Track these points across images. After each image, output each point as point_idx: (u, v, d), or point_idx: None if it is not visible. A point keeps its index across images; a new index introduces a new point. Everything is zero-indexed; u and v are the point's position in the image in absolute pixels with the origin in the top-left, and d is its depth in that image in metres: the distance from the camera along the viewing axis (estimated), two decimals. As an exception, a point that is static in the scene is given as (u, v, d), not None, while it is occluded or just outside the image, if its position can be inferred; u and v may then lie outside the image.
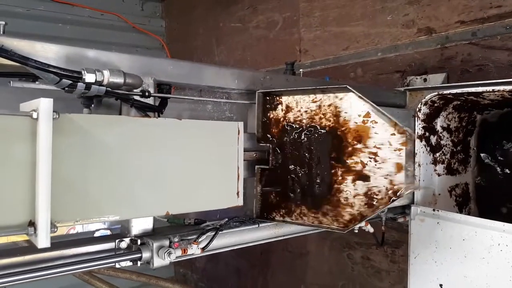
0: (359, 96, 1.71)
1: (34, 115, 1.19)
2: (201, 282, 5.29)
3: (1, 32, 1.34)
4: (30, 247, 1.64)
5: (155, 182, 1.54)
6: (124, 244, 1.65)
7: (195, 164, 1.65)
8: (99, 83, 1.42)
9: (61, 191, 1.28)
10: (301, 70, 1.94)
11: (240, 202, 1.76)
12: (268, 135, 1.91)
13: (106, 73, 1.42)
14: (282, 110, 1.87)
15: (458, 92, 1.92)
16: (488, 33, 2.59)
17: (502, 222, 1.68)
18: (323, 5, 3.66)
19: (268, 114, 1.90)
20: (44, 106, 1.19)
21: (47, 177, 1.21)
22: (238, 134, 1.75)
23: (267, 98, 1.89)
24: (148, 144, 1.53)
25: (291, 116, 1.85)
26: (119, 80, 1.45)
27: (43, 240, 1.21)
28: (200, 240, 1.70)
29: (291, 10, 3.98)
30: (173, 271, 5.79)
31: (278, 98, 1.87)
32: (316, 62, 3.72)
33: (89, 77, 1.37)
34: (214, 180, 1.70)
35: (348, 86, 1.71)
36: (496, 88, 1.77)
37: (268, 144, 1.90)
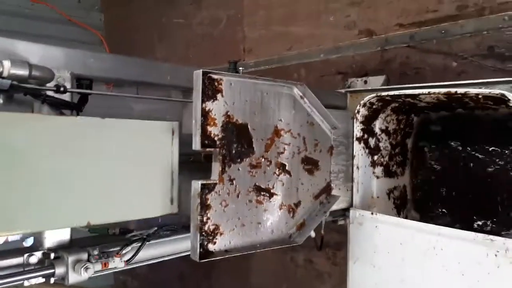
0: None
1: None
2: (142, 289, 5.06)
3: None
4: None
5: (74, 189, 1.36)
6: (34, 258, 1.46)
7: (121, 168, 1.48)
8: (-1, 75, 1.23)
9: None
10: (241, 68, 1.82)
11: (174, 209, 1.60)
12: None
13: (7, 63, 1.23)
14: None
15: (395, 94, 1.91)
16: (425, 36, 2.63)
17: (438, 226, 1.67)
18: (267, 3, 3.59)
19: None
20: None
21: None
22: (173, 134, 1.60)
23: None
24: (66, 146, 1.35)
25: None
26: (23, 72, 1.27)
27: None
28: (124, 252, 1.54)
29: (235, 8, 3.88)
30: (113, 279, 5.50)
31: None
32: (260, 61, 3.64)
33: (-16, 68, 1.17)
34: (145, 186, 1.54)
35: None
36: (432, 90, 1.77)
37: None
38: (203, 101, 1.42)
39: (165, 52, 4.61)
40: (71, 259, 1.43)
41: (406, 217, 2.27)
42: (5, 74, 1.24)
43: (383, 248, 1.87)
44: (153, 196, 1.55)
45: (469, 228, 1.62)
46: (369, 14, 2.91)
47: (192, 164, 1.81)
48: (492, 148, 2.04)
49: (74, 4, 5.30)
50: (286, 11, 3.46)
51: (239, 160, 1.52)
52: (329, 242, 2.97)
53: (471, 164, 2.12)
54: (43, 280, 1.47)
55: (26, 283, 1.44)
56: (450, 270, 1.64)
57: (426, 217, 2.23)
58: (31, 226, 1.31)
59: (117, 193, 1.48)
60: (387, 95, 1.93)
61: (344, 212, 2.19)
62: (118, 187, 1.48)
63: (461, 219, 2.12)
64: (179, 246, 1.75)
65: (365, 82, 2.84)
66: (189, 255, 1.66)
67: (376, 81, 2.80)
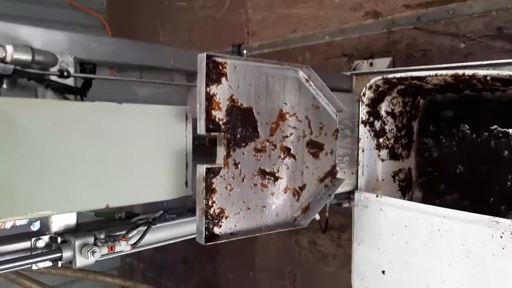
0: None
1: None
2: (148, 271, 5.13)
3: None
4: None
5: (93, 173, 1.39)
6: (41, 242, 1.48)
7: (138, 152, 1.50)
8: (1, 60, 1.22)
9: None
10: (245, 51, 1.80)
11: (189, 192, 1.61)
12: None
13: (9, 48, 1.22)
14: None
15: (402, 76, 1.88)
16: (432, 17, 2.58)
17: (443, 208, 1.67)
18: (271, -15, 3.53)
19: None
20: None
21: None
22: (186, 119, 1.60)
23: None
24: (84, 131, 1.37)
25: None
26: (26, 57, 1.26)
27: None
28: (130, 235, 1.55)
29: (238, -11, 3.82)
30: (119, 261, 5.58)
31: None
32: (264, 44, 3.60)
33: (-14, 53, 1.16)
34: (161, 169, 1.56)
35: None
36: (439, 72, 1.74)
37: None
38: (207, 85, 1.41)
39: (168, 36, 4.57)
40: (78, 243, 1.44)
41: (411, 200, 2.27)
42: (8, 59, 1.23)
43: (388, 230, 1.88)
44: (169, 179, 1.57)
45: (475, 209, 1.61)
46: (375, -5, 2.85)
47: (197, 148, 1.81)
48: (500, 129, 2.02)
49: (76, -13, 5.24)
50: (290, -8, 3.40)
51: (244, 144, 1.52)
52: (333, 225, 2.99)
53: (479, 146, 2.10)
54: (50, 264, 1.49)
55: (34, 267, 1.47)
56: (455, 251, 1.64)
57: (431, 199, 2.23)
58: (52, 209, 1.34)
59: (135, 177, 1.50)
60: (394, 77, 1.91)
61: (348, 195, 2.19)
62: (136, 170, 1.50)
63: (467, 201, 2.11)
64: (184, 229, 1.76)
65: (371, 64, 2.81)
66: (195, 238, 1.68)
67: (382, 63, 2.77)
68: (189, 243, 2.37)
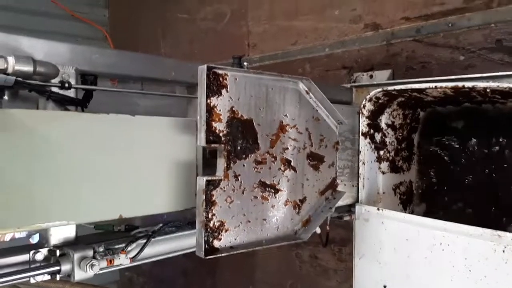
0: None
1: None
2: (147, 285, 5.08)
3: None
4: None
5: (107, 183, 1.42)
6: (40, 255, 1.46)
7: (151, 163, 1.52)
8: (3, 71, 1.23)
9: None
10: (245, 63, 1.81)
11: None
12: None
13: (11, 59, 1.22)
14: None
15: (402, 88, 1.89)
16: (431, 30, 2.60)
17: (444, 221, 1.66)
18: (272, -2, 3.56)
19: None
20: None
21: None
22: (197, 130, 1.61)
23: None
24: (98, 142, 1.40)
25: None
26: (28, 68, 1.26)
27: None
28: (129, 249, 1.54)
29: (239, 3, 3.85)
30: (118, 275, 5.52)
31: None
32: (265, 56, 3.62)
33: (-13, 64, 1.17)
34: (172, 181, 1.57)
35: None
36: (439, 85, 1.75)
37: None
38: (207, 97, 1.41)
39: (169, 48, 4.60)
40: (76, 256, 1.43)
41: (412, 213, 2.26)
42: (9, 70, 1.23)
43: (389, 244, 1.86)
44: (180, 190, 1.59)
45: (477, 223, 1.59)
46: (375, 8, 2.87)
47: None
48: (501, 140, 2.02)
49: (78, 0, 5.29)
50: (290, 5, 3.43)
51: (244, 156, 1.51)
52: (334, 238, 2.96)
53: (478, 158, 2.09)
54: (49, 277, 1.48)
55: (32, 280, 1.45)
56: (457, 266, 1.63)
57: (432, 212, 2.21)
58: (68, 219, 1.36)
59: (147, 187, 1.51)
60: (394, 90, 1.91)
61: (349, 208, 2.18)
62: (148, 181, 1.51)
63: (468, 213, 2.10)
64: (184, 242, 1.75)
65: (371, 76, 2.82)
66: (194, 251, 1.66)
67: (381, 75, 2.78)
68: (188, 257, 2.35)
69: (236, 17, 3.89)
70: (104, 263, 1.46)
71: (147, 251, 1.59)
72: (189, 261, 4.36)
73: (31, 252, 1.45)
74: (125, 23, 5.20)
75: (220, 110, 1.45)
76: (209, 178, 1.42)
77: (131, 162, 1.46)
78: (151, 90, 2.03)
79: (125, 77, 1.74)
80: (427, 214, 2.22)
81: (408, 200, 2.27)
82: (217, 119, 1.44)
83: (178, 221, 1.74)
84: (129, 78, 1.79)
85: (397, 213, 1.85)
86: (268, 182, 1.57)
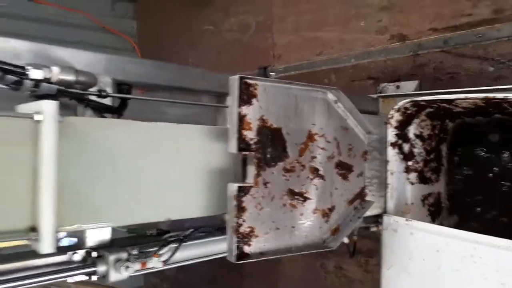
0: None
1: (37, 117, 1.17)
2: (171, 292, 5.12)
3: None
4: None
5: (156, 187, 1.49)
6: (77, 256, 1.52)
7: (195, 169, 1.58)
8: (47, 81, 1.30)
9: (62, 196, 1.22)
10: (272, 73, 1.84)
11: None
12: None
13: (56, 69, 1.29)
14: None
15: (431, 99, 1.89)
16: (460, 41, 2.59)
17: (475, 233, 1.64)
18: (296, 10, 3.61)
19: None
20: (49, 108, 1.18)
21: (52, 181, 1.17)
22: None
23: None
24: (149, 148, 1.48)
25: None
26: (70, 77, 1.33)
27: (47, 245, 1.18)
28: (161, 252, 1.58)
29: (264, 14, 3.91)
30: (143, 281, 5.59)
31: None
32: (290, 67, 3.66)
33: (35, 73, 1.24)
34: (205, 186, 1.61)
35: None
36: (470, 95, 1.74)
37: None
38: (239, 106, 1.45)
39: (196, 59, 4.70)
40: (112, 258, 1.48)
41: (441, 225, 2.23)
42: (53, 79, 1.29)
43: (418, 255, 1.85)
44: (211, 195, 1.62)
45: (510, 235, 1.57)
46: (401, 19, 2.88)
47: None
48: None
49: (108, 12, 5.47)
50: (315, 17, 3.47)
51: (273, 163, 1.54)
52: (361, 249, 2.93)
53: (509, 170, 2.06)
54: (86, 277, 1.53)
55: (69, 280, 1.50)
56: (489, 278, 1.60)
57: (464, 224, 2.18)
58: (120, 220, 1.45)
59: (192, 192, 1.57)
60: (422, 100, 1.91)
61: (376, 219, 2.17)
62: (193, 186, 1.57)
63: (503, 222, 2.06)
64: (214, 248, 1.78)
65: (397, 87, 2.82)
66: (223, 257, 1.69)
67: (408, 86, 2.77)
68: (213, 263, 2.37)
69: (261, 28, 3.95)
70: (137, 266, 1.50)
71: (178, 255, 1.63)
72: (214, 267, 4.38)
73: (69, 253, 1.51)
74: (153, 34, 5.34)
75: (250, 119, 1.49)
76: (241, 184, 1.45)
77: (176, 167, 1.52)
78: (177, 99, 2.09)
79: (158, 86, 1.80)
80: (458, 225, 2.19)
81: (436, 212, 2.24)
82: (247, 128, 1.48)
83: (209, 227, 1.78)
84: (161, 88, 1.85)
85: (426, 224, 1.84)
86: (296, 190, 1.59)
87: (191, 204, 1.55)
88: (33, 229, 1.19)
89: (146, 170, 1.45)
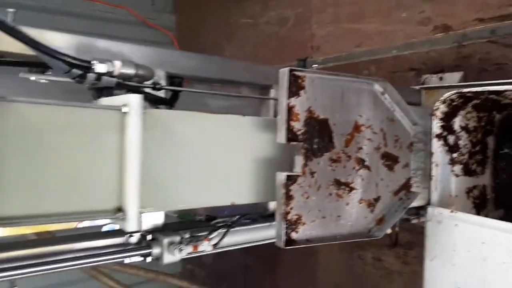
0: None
1: (124, 110, 1.30)
2: (209, 278, 5.26)
3: (11, 20, 1.29)
4: (39, 240, 1.60)
5: (222, 174, 1.60)
6: (134, 239, 1.61)
7: (249, 158, 1.66)
8: (109, 74, 1.38)
9: (145, 180, 1.34)
10: (314, 65, 1.87)
11: None
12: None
13: (118, 63, 1.38)
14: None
15: (479, 90, 1.86)
16: (508, 31, 2.52)
17: (524, 226, 1.62)
18: (336, 1, 3.60)
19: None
20: (135, 101, 1.31)
21: (137, 167, 1.30)
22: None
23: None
24: (216, 138, 1.59)
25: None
26: (131, 71, 1.41)
27: (132, 224, 1.34)
28: (211, 237, 1.65)
29: (303, 7, 3.92)
30: (180, 267, 5.77)
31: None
32: (328, 59, 3.66)
33: (100, 67, 1.33)
34: (261, 174, 1.69)
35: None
36: (521, 86, 1.71)
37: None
38: (288, 97, 1.49)
39: (233, 52, 4.76)
40: (166, 241, 1.56)
41: (486, 217, 2.20)
42: (115, 73, 1.38)
43: (463, 247, 1.84)
44: (265, 183, 1.69)
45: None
46: (445, 9, 2.82)
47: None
48: None
49: (148, 7, 5.62)
50: (355, 8, 3.45)
51: (320, 154, 1.58)
52: (400, 241, 2.93)
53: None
54: (141, 259, 1.62)
55: (126, 261, 1.61)
56: (538, 272, 1.58)
57: (508, 217, 2.14)
58: (195, 203, 1.59)
59: (254, 179, 1.67)
60: (469, 92, 1.89)
61: (418, 211, 2.17)
62: (254, 174, 1.67)
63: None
64: (259, 234, 1.84)
65: (441, 78, 2.77)
66: (269, 243, 1.76)
67: (452, 77, 2.72)
68: (249, 252, 2.43)
69: (300, 21, 3.96)
70: (190, 249, 1.58)
71: (226, 239, 1.70)
72: (250, 257, 4.48)
73: (126, 235, 1.61)
74: (191, 28, 5.45)
75: (298, 110, 1.53)
76: (289, 173, 1.50)
77: (233, 156, 1.62)
78: (219, 91, 2.15)
79: (206, 79, 1.87)
80: (504, 218, 2.15)
81: (481, 205, 2.21)
82: (295, 119, 1.53)
83: (254, 214, 1.84)
84: (210, 80, 1.92)
85: (472, 216, 1.83)
86: (342, 180, 1.62)
87: (246, 191, 1.62)
88: (119, 209, 1.34)
89: (213, 158, 1.56)
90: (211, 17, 5.11)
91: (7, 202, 1.16)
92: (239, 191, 1.63)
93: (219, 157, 1.58)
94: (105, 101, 1.41)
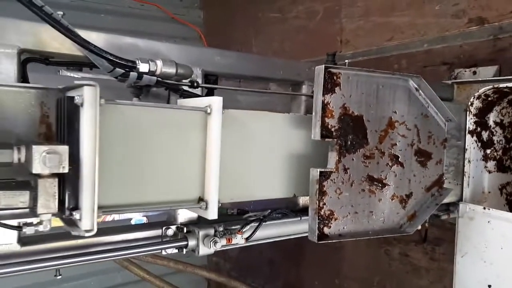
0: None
1: (208, 110, 1.44)
2: (234, 271, 5.35)
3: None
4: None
5: (287, 168, 1.70)
6: (170, 231, 1.68)
7: (287, 154, 1.73)
8: (151, 73, 1.44)
9: (223, 174, 1.46)
10: (346, 61, 1.88)
11: None
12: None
13: (159, 63, 1.43)
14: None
15: (517, 85, 1.83)
16: (546, 23, 2.45)
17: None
18: (366, -6, 3.56)
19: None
20: (217, 103, 1.43)
21: (217, 162, 1.43)
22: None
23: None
24: (282, 135, 1.69)
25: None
26: (171, 70, 1.46)
27: (213, 213, 1.45)
28: (244, 230, 1.70)
29: (332, 0, 3.90)
30: (206, 260, 5.88)
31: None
32: (358, 53, 3.63)
33: (143, 67, 1.38)
34: (286, 170, 1.74)
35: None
36: (560, 82, 1.67)
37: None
38: (323, 95, 1.51)
39: (261, 47, 4.78)
40: (201, 233, 1.62)
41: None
42: (157, 72, 1.43)
43: (496, 243, 1.83)
44: (292, 178, 1.75)
45: None
46: (481, 1, 2.76)
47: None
48: None
49: (177, 3, 5.69)
50: (386, 1, 3.40)
51: (353, 150, 1.60)
52: (428, 237, 2.91)
53: None
54: (176, 250, 1.69)
55: (163, 252, 1.67)
56: None
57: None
58: (264, 194, 1.71)
59: (286, 175, 1.73)
60: (506, 87, 1.86)
61: (448, 207, 2.15)
62: (287, 170, 1.73)
63: None
64: (289, 228, 1.88)
65: (474, 73, 2.72)
66: (300, 237, 1.79)
67: (486, 71, 2.67)
68: (274, 246, 2.46)
69: (329, 15, 3.94)
70: (224, 241, 1.64)
71: (258, 233, 1.75)
72: (275, 250, 4.53)
73: (164, 227, 1.67)
74: (219, 23, 5.49)
75: (333, 107, 1.55)
76: (322, 169, 1.52)
77: (281, 152, 1.70)
78: (248, 87, 2.19)
79: (241, 76, 1.91)
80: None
81: (515, 202, 2.18)
82: (330, 115, 1.55)
83: (284, 209, 1.88)
84: (244, 78, 1.96)
85: (506, 213, 1.81)
86: (375, 177, 1.64)
87: (286, 185, 1.68)
88: (201, 199, 1.47)
89: (273, 154, 1.66)
90: (238, 12, 5.13)
91: (112, 192, 1.29)
92: (289, 184, 1.73)
93: (277, 152, 1.68)
94: (186, 102, 1.55)
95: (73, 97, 1.16)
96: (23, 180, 1.16)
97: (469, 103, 1.98)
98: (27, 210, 1.11)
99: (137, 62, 1.37)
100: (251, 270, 5.07)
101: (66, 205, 1.16)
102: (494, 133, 2.09)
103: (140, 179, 1.35)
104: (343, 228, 1.58)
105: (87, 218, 1.15)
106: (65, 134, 1.23)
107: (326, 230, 1.55)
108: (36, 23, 1.36)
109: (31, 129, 1.29)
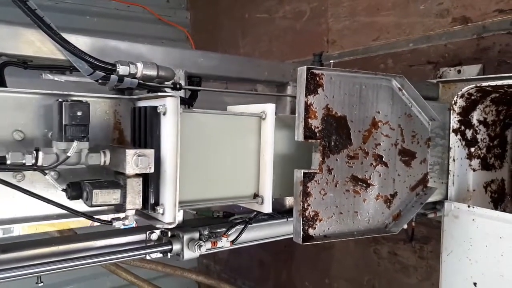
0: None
1: (263, 116, 1.62)
2: (224, 273, 5.33)
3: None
4: (62, 238, 1.66)
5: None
6: (154, 235, 1.66)
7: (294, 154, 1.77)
8: (132, 76, 1.42)
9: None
10: (331, 61, 1.88)
11: None
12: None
13: (140, 65, 1.41)
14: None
15: (498, 84, 1.84)
16: (528, 22, 2.47)
17: (544, 221, 1.61)
18: (352, -6, 3.57)
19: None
20: (271, 109, 1.59)
21: (271, 161, 1.59)
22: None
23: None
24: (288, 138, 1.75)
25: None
26: (152, 72, 1.44)
27: (268, 207, 1.61)
28: (229, 233, 1.69)
29: (319, 0, 3.90)
30: (196, 262, 5.85)
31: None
32: (344, 53, 3.64)
33: (123, 70, 1.36)
34: (288, 170, 1.77)
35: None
36: (541, 80, 1.69)
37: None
38: (305, 96, 1.51)
39: (248, 47, 4.77)
40: (186, 237, 1.61)
41: (504, 212, 2.18)
42: (138, 75, 1.41)
43: (480, 241, 1.84)
44: (276, 179, 1.72)
45: None
46: (464, 1, 2.78)
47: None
48: None
49: (163, 4, 5.65)
50: (371, 1, 3.42)
51: (337, 151, 1.60)
52: (416, 236, 2.93)
53: None
54: (161, 255, 1.67)
55: (147, 257, 1.65)
56: (558, 268, 1.58)
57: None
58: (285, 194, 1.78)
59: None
60: (488, 86, 1.87)
61: (434, 205, 2.17)
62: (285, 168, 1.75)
63: None
64: (276, 230, 1.88)
65: (459, 71, 2.74)
66: (286, 238, 1.78)
67: (471, 70, 2.69)
68: (264, 248, 2.44)
69: (316, 15, 3.94)
70: (209, 245, 1.62)
71: (244, 235, 1.74)
72: (265, 252, 4.52)
73: (147, 232, 1.65)
74: (206, 24, 5.47)
75: (316, 108, 1.55)
76: (306, 170, 1.52)
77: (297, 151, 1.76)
78: (234, 88, 2.17)
79: (225, 78, 1.89)
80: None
81: (499, 199, 2.20)
82: (313, 116, 1.54)
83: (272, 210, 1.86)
84: (228, 79, 1.95)
85: (489, 210, 1.82)
86: (360, 177, 1.64)
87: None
88: (256, 195, 1.64)
89: (288, 155, 1.75)
90: (226, 13, 5.12)
91: (187, 189, 1.46)
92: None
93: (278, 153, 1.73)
94: (236, 108, 1.73)
95: (156, 107, 1.34)
96: (112, 180, 1.30)
97: (453, 102, 1.99)
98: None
99: (117, 65, 1.35)
100: (242, 272, 5.06)
101: (150, 201, 1.33)
102: (478, 131, 2.10)
103: (209, 177, 1.55)
104: (328, 229, 1.58)
105: (169, 212, 1.32)
106: (143, 139, 1.38)
107: (311, 231, 1.54)
108: (14, 26, 1.34)
109: (107, 134, 1.44)
